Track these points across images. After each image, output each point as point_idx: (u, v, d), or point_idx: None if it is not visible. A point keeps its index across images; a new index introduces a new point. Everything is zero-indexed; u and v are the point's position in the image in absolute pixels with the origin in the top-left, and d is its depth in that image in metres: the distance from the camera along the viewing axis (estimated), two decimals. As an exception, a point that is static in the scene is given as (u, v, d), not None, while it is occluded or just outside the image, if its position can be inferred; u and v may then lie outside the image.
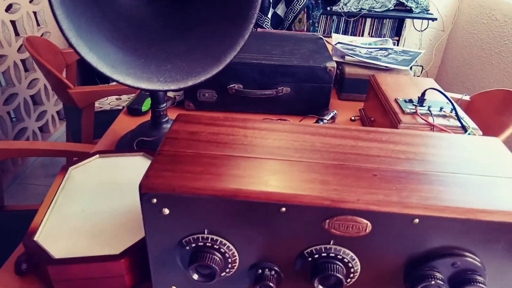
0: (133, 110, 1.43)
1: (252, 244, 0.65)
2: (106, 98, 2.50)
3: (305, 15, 3.43)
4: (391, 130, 0.80)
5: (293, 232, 0.63)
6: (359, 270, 0.66)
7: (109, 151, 1.05)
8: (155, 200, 0.61)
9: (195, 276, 0.65)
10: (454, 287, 0.63)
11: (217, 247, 0.65)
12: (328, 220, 0.61)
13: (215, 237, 0.64)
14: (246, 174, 0.64)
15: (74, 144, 1.54)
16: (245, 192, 0.60)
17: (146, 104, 1.44)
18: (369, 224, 0.61)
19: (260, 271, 0.67)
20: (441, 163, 0.69)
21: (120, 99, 2.52)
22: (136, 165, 1.00)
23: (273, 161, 0.68)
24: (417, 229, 0.60)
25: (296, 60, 1.39)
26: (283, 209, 0.61)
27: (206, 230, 0.64)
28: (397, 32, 3.78)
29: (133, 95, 1.92)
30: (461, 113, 1.15)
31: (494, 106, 1.70)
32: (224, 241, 0.65)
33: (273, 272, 0.67)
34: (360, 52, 1.66)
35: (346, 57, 1.57)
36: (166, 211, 0.62)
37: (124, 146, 1.19)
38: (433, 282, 0.62)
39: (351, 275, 0.65)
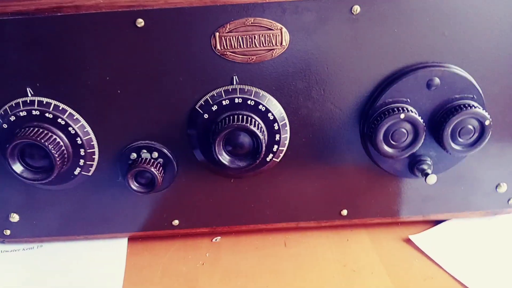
0: None
1: (109, 110, 0.40)
2: None
3: None
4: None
5: (166, 70, 0.38)
6: (287, 129, 0.42)
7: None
8: None
9: (19, 168, 0.39)
10: (437, 122, 0.40)
11: (50, 116, 0.39)
12: (218, 33, 0.37)
13: (45, 100, 0.39)
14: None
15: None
16: (73, 2, 0.36)
17: None
18: (284, 29, 0.37)
19: (134, 155, 0.42)
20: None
21: None
22: None
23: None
24: (359, 28, 0.37)
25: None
26: (140, 21, 0.36)
27: (29, 90, 0.39)
28: None
29: None
30: None
31: None
32: (63, 106, 0.40)
33: (156, 155, 0.42)
34: None
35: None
36: (-50, 58, 0.37)
37: None
38: (402, 116, 0.38)
39: (277, 136, 0.41)
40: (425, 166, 0.41)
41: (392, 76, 0.39)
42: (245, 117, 0.39)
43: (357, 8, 0.36)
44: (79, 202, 0.45)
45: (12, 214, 0.46)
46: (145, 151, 0.42)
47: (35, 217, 0.46)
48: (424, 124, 0.39)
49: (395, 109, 0.38)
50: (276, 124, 0.40)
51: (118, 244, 0.48)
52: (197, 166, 0.43)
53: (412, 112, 0.38)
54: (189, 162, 0.43)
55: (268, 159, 0.42)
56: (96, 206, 0.45)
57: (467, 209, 0.47)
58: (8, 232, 0.47)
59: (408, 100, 0.39)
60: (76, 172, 0.42)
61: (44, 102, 0.39)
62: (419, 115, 0.39)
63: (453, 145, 0.40)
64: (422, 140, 0.39)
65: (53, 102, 0.39)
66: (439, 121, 0.39)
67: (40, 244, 0.49)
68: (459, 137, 0.39)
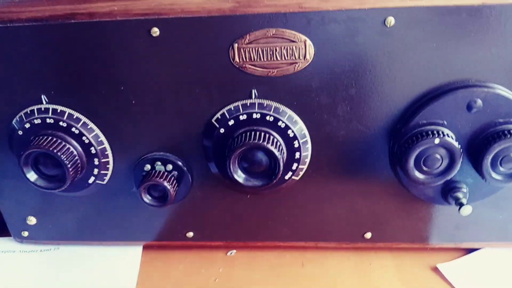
0: None
1: (124, 120, 0.39)
2: None
3: None
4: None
5: (182, 81, 0.36)
6: (309, 147, 0.39)
7: None
8: None
9: (33, 177, 0.39)
10: (477, 148, 0.36)
11: (64, 124, 0.38)
12: (236, 44, 0.35)
13: (60, 108, 0.38)
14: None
15: None
16: (87, 9, 0.35)
17: None
18: (308, 41, 0.34)
19: (148, 166, 0.41)
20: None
21: None
22: None
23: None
24: (393, 42, 0.34)
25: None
26: (155, 30, 0.34)
27: (44, 98, 0.38)
28: None
29: None
30: None
31: None
32: (77, 115, 0.39)
33: (170, 167, 0.41)
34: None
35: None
36: (-33, 63, 0.37)
37: None
38: (436, 141, 0.34)
39: (297, 154, 0.38)
40: (460, 195, 0.37)
41: (428, 95, 0.35)
42: (262, 134, 0.36)
43: (391, 20, 0.33)
44: (94, 209, 0.44)
45: (29, 217, 0.46)
46: (159, 163, 0.40)
47: (52, 221, 0.46)
48: (461, 150, 0.35)
49: (430, 132, 0.35)
50: (296, 142, 0.38)
51: (133, 251, 0.47)
52: (213, 180, 0.41)
53: (448, 136, 0.34)
54: (204, 175, 0.41)
55: (286, 177, 0.39)
56: (111, 214, 0.45)
57: (505, 239, 0.43)
58: (26, 233, 0.47)
59: (445, 122, 0.35)
60: (90, 181, 0.41)
61: (59, 111, 0.38)
62: (456, 139, 0.35)
63: (493, 174, 0.36)
64: (458, 168, 0.35)
65: (68, 110, 0.38)
66: (479, 147, 0.35)
67: (57, 246, 0.49)
68: (501, 165, 0.35)
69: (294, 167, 0.39)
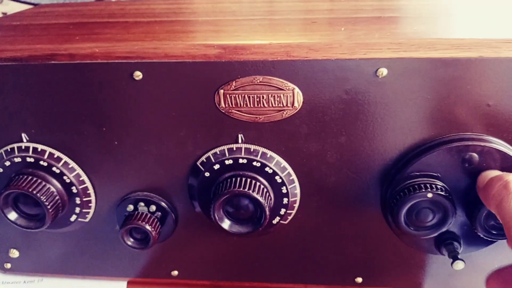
0: None
1: (106, 160, 0.37)
2: None
3: None
4: None
5: (166, 124, 0.35)
6: (298, 192, 0.37)
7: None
8: None
9: (13, 216, 0.38)
10: (471, 202, 0.34)
11: (44, 164, 0.37)
12: (222, 90, 0.33)
13: (40, 147, 0.37)
14: (83, 32, 0.37)
15: None
16: (67, 50, 0.33)
17: None
18: (297, 89, 0.33)
19: (131, 207, 0.39)
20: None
21: None
22: None
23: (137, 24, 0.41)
24: (385, 93, 0.32)
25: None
26: (138, 74, 0.33)
27: (24, 136, 0.37)
28: None
29: None
30: None
31: None
32: (58, 154, 0.37)
33: (153, 208, 0.39)
34: None
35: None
36: None
37: None
38: (429, 195, 0.33)
39: (285, 200, 0.37)
40: (453, 247, 0.36)
41: (421, 146, 0.34)
42: (248, 180, 0.35)
43: (383, 71, 0.31)
44: (78, 245, 0.43)
45: (11, 250, 0.44)
46: (142, 204, 0.39)
47: (34, 254, 0.45)
48: (454, 205, 0.33)
49: (422, 185, 0.33)
50: (284, 188, 0.36)
51: (117, 286, 0.46)
52: (198, 219, 0.40)
53: (442, 190, 0.33)
54: (189, 214, 0.40)
55: (274, 221, 0.38)
56: (95, 249, 0.43)
57: None
58: (8, 265, 0.46)
59: (439, 174, 0.34)
60: (72, 219, 0.40)
61: (39, 150, 0.37)
62: (450, 192, 0.33)
63: (487, 228, 0.34)
64: (451, 223, 0.34)
65: (48, 149, 0.37)
66: (474, 201, 0.33)
67: (41, 278, 0.48)
68: (495, 221, 0.34)
69: (282, 212, 0.37)
